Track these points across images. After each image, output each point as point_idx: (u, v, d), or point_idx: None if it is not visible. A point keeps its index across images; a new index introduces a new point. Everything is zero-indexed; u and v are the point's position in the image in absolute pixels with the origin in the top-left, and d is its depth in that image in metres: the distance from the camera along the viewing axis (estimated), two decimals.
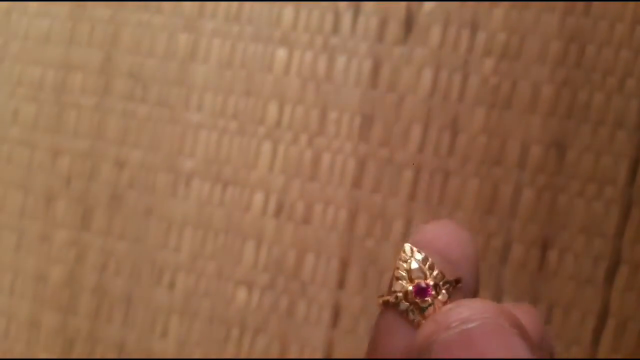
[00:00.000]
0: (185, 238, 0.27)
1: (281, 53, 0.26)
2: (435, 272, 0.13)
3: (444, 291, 0.13)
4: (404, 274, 0.13)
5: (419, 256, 0.13)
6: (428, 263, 0.13)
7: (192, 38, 0.27)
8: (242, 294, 0.26)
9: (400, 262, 0.13)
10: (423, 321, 0.13)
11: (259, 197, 0.26)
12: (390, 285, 0.13)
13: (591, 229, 0.23)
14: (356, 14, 0.25)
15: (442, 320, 0.12)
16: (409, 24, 0.25)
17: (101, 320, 0.27)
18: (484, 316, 0.11)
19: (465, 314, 0.11)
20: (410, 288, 0.13)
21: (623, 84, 0.23)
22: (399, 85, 0.25)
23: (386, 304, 0.13)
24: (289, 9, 0.26)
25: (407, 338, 0.13)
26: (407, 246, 0.13)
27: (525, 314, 0.13)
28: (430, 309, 0.13)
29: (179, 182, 0.27)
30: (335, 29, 0.25)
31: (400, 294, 0.13)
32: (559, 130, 0.24)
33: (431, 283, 0.13)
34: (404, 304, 0.13)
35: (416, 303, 0.13)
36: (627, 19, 0.23)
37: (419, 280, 0.13)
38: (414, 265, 0.13)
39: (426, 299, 0.13)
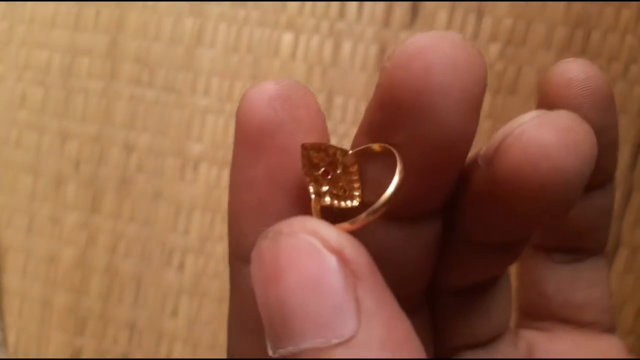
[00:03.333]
0: (193, 221, 0.27)
1: (287, 38, 0.26)
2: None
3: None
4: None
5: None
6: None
7: (198, 22, 0.27)
8: None
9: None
10: None
11: None
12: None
13: None
14: None
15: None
16: (414, 9, 0.25)
17: (112, 300, 0.28)
18: (295, 231, 0.10)
19: (280, 226, 0.10)
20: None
21: (627, 69, 0.23)
22: None
23: None
24: None
25: None
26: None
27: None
28: None
29: (186, 166, 0.27)
30: (342, 14, 0.25)
31: None
32: None
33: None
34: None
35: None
36: (633, 5, 0.23)
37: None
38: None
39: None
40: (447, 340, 0.13)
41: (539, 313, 0.15)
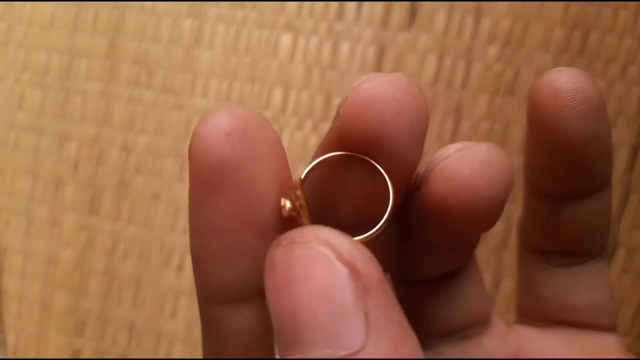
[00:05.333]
0: None
1: (286, 39, 0.26)
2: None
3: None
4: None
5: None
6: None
7: (197, 24, 0.27)
8: None
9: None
10: None
11: None
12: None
13: None
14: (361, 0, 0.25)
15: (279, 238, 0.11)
16: (413, 11, 0.25)
17: (111, 302, 0.28)
18: (306, 240, 0.10)
19: (294, 235, 0.10)
20: None
21: (625, 71, 0.24)
22: (403, 72, 0.25)
23: None
24: None
25: None
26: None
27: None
28: None
29: (185, 167, 0.27)
30: (340, 15, 0.25)
31: None
32: None
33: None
34: None
35: None
36: (630, 7, 0.23)
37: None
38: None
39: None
40: (421, 329, 0.14)
41: (536, 315, 0.15)
